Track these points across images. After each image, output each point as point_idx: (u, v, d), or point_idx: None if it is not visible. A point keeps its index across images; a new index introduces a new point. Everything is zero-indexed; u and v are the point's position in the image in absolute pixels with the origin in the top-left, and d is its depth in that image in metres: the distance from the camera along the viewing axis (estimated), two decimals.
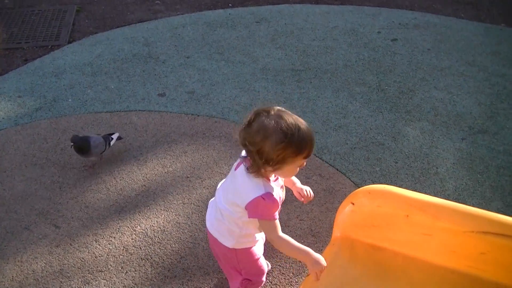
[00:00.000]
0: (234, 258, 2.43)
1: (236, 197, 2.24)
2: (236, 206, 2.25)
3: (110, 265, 3.07)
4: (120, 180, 3.73)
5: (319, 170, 3.89)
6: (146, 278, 2.99)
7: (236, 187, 2.26)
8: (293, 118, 2.12)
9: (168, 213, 3.44)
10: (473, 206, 3.34)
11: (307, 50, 5.71)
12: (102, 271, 3.02)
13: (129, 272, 3.02)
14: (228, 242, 2.37)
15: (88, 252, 3.15)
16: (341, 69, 5.35)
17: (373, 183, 3.67)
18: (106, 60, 5.45)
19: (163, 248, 3.18)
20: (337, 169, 3.93)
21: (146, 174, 3.79)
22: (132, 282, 2.96)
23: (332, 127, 4.42)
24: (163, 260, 3.11)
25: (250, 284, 2.56)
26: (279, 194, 2.25)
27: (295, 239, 2.26)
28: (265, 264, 2.61)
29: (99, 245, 3.20)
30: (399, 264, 2.43)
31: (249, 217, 2.21)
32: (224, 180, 2.46)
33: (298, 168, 2.22)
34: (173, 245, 3.21)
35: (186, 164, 3.91)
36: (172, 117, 4.51)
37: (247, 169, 2.19)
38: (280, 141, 2.05)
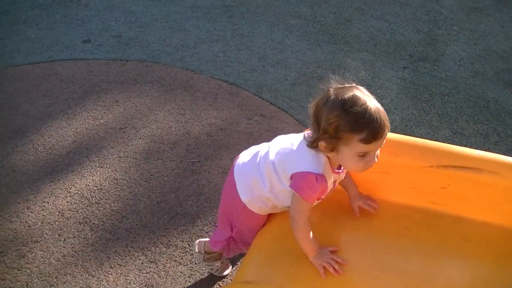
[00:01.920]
0: (237, 212, 2.25)
1: (289, 161, 2.03)
2: (283, 170, 2.05)
3: (46, 233, 2.84)
4: (49, 137, 3.46)
5: (260, 110, 3.72)
6: (87, 243, 2.78)
7: (295, 152, 2.04)
8: (364, 94, 1.85)
9: (104, 169, 3.21)
10: (421, 136, 3.30)
11: None
12: (37, 241, 2.79)
13: (68, 240, 2.80)
14: (244, 195, 2.18)
15: (20, 222, 2.90)
16: (274, 2, 5.13)
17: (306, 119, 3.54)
18: (22, 7, 5.05)
19: (102, 209, 2.97)
20: (279, 107, 3.76)
21: (76, 129, 3.53)
22: (72, 250, 2.75)
23: (270, 63, 4.24)
24: (103, 222, 2.90)
25: (233, 244, 2.36)
26: (331, 185, 2.05)
27: None
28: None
29: (32, 212, 2.95)
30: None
31: (290, 186, 2.00)
32: (285, 136, 2.21)
33: (361, 159, 1.92)
34: (113, 205, 2.99)
35: (119, 114, 3.66)
36: (100, 64, 4.21)
37: (307, 141, 1.97)
38: (336, 108, 1.80)
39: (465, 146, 3.16)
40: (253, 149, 2.26)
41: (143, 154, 3.29)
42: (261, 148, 2.20)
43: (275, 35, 4.62)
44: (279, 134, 3.39)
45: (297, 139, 2.06)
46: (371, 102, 1.81)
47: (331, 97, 1.82)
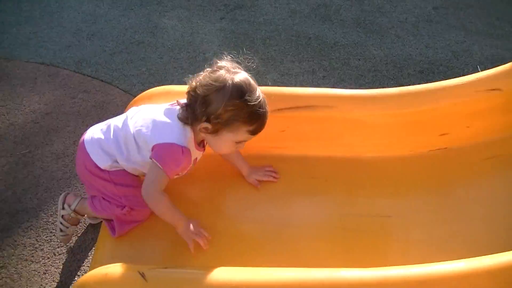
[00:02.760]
0: (107, 183, 2.14)
1: (152, 132, 2.00)
2: (143, 141, 2.02)
3: None
4: None
5: (83, 86, 3.59)
6: None
7: (158, 124, 2.00)
8: (255, 83, 1.97)
9: None
10: None
11: None
12: None
13: None
14: (102, 162, 2.12)
15: None
16: None
17: (143, 85, 3.49)
18: None
19: None
20: (102, 80, 3.66)
21: None
22: None
23: (85, 36, 4.09)
24: None
25: (129, 215, 2.20)
26: (192, 163, 2.06)
27: None
28: None
29: None
30: None
31: (151, 157, 1.96)
32: (139, 108, 2.17)
33: (235, 145, 2.03)
34: None
35: None
36: None
37: (180, 117, 1.97)
38: (236, 97, 1.89)
39: (295, 86, 3.26)
40: (101, 125, 2.21)
41: None
42: (113, 122, 2.16)
43: (85, 7, 4.46)
44: (107, 108, 3.32)
45: (157, 112, 2.06)
46: (261, 94, 1.95)
47: (228, 85, 1.88)
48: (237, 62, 2.03)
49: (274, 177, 2.34)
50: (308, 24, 4.22)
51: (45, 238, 2.61)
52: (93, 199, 2.22)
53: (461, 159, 2.43)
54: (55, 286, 2.41)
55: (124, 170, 2.14)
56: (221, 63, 2.00)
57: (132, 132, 2.05)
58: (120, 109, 3.32)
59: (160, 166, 1.95)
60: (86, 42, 4.02)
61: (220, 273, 1.69)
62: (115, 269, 1.75)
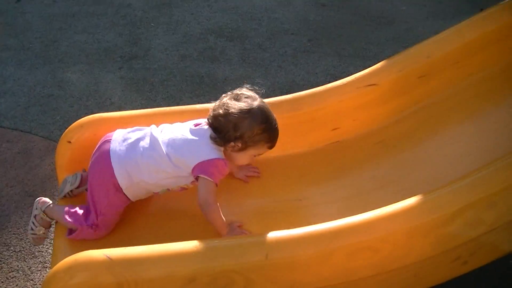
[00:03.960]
0: (106, 195, 2.40)
1: (191, 153, 2.34)
2: (182, 162, 2.34)
3: None
4: None
5: (5, 137, 3.91)
6: None
7: (195, 145, 2.36)
8: (268, 106, 2.43)
9: None
10: None
11: None
12: None
13: None
14: (123, 180, 2.37)
15: None
16: None
17: (61, 131, 3.83)
18: None
19: None
20: (22, 131, 3.99)
21: None
22: None
23: None
24: None
25: (93, 230, 2.44)
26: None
27: None
28: None
29: None
30: None
31: (199, 174, 2.30)
32: (165, 127, 2.48)
33: (253, 158, 2.49)
34: None
35: None
36: None
37: (213, 138, 2.34)
38: (262, 121, 2.34)
39: None
40: (126, 136, 2.45)
41: None
42: (140, 137, 2.43)
43: None
44: (31, 153, 3.67)
45: (185, 132, 2.41)
46: (274, 115, 2.43)
47: (255, 112, 2.33)
48: (254, 90, 2.48)
49: (258, 173, 2.76)
50: (199, 65, 4.76)
51: None
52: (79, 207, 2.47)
53: (353, 148, 2.89)
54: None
55: (124, 197, 2.43)
56: (242, 90, 2.43)
57: (165, 153, 2.35)
58: (43, 153, 3.73)
59: (211, 179, 2.30)
60: (0, 100, 4.33)
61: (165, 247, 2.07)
62: (82, 255, 2.04)
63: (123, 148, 2.40)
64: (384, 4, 5.80)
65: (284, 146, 2.75)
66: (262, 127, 2.35)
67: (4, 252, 3.02)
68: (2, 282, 2.83)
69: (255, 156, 2.49)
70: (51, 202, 2.55)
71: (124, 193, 2.40)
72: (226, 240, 2.20)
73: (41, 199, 2.57)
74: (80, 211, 2.44)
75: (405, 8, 5.74)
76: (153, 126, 2.48)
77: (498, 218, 2.15)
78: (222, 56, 4.90)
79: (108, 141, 2.45)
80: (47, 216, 2.51)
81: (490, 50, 3.01)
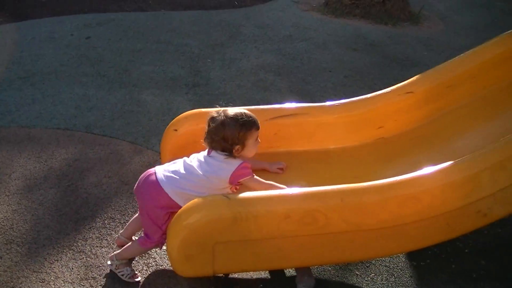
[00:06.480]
0: (165, 214, 2.98)
1: (219, 170, 2.94)
2: (217, 178, 2.95)
3: None
4: None
5: (98, 141, 4.65)
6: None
7: (218, 164, 2.96)
8: (235, 109, 3.01)
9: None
10: None
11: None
12: None
13: None
14: (182, 202, 2.91)
15: None
16: (64, 68, 6.09)
17: (144, 138, 4.64)
18: None
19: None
20: (111, 137, 4.74)
21: None
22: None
23: (85, 109, 5.16)
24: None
25: (164, 238, 3.08)
26: None
27: None
28: None
29: None
30: None
31: (236, 181, 2.95)
32: (189, 157, 3.09)
33: (256, 143, 3.03)
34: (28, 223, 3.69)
35: None
36: None
37: (224, 155, 2.95)
38: (235, 124, 2.91)
39: None
40: (166, 167, 3.07)
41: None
42: (176, 168, 3.03)
43: (76, 90, 5.54)
44: (121, 153, 4.57)
45: (200, 160, 3.01)
46: (241, 110, 3.02)
47: (225, 121, 2.91)
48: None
49: (283, 167, 3.48)
50: (254, 93, 5.58)
51: (107, 233, 3.62)
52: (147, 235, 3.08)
53: (394, 143, 3.63)
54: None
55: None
56: (213, 113, 3.00)
57: (202, 174, 2.95)
58: (131, 154, 4.45)
59: (250, 176, 2.98)
60: (88, 113, 5.09)
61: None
62: (207, 197, 2.82)
63: (167, 173, 3.01)
64: (408, 50, 6.73)
65: (340, 141, 3.55)
66: (238, 126, 2.93)
67: (111, 223, 3.69)
68: (113, 243, 3.53)
69: (255, 140, 3.03)
70: (116, 252, 3.23)
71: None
72: (312, 188, 2.90)
73: (109, 257, 3.23)
74: (148, 237, 3.08)
75: (427, 53, 6.66)
76: (185, 157, 3.10)
77: (508, 178, 2.91)
78: (272, 87, 5.75)
79: (151, 174, 3.05)
80: (122, 259, 3.18)
81: (501, 68, 3.84)
